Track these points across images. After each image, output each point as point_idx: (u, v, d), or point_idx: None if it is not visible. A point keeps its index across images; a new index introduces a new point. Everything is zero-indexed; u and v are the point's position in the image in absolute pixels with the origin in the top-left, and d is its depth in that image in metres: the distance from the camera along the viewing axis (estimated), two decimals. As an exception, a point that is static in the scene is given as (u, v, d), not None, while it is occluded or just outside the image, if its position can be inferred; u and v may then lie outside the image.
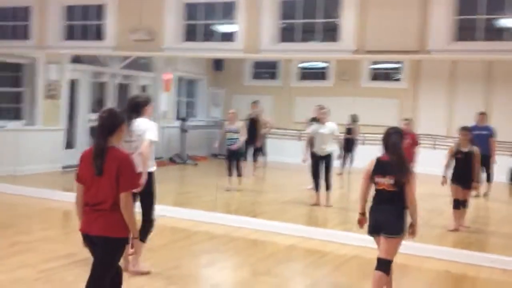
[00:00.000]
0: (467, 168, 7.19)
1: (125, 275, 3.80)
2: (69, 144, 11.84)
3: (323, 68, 15.07)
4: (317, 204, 8.36)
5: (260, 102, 11.94)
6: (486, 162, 9.68)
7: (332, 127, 8.49)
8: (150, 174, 4.83)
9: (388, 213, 4.35)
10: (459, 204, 7.25)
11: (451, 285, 5.40)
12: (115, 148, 3.36)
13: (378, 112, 13.22)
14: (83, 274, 4.74)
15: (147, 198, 4.88)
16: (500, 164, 10.59)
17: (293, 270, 5.52)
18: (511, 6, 6.24)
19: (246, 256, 5.91)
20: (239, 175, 9.65)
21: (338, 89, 14.31)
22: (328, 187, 8.47)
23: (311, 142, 8.85)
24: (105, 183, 3.28)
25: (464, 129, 7.23)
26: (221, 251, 6.18)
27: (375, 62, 13.62)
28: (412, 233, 4.41)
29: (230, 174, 9.66)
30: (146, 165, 4.73)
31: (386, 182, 4.32)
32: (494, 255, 6.07)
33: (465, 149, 7.15)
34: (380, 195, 4.41)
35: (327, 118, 8.47)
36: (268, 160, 12.20)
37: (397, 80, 14.53)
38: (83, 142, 12.31)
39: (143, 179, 4.67)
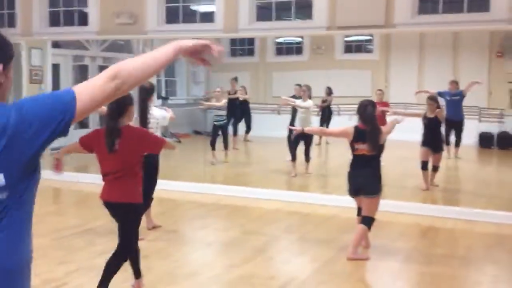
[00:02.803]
0: (434, 133, 7.84)
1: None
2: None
3: (298, 43, 15.51)
4: (295, 174, 8.87)
5: (238, 78, 12.44)
6: (458, 127, 10.37)
7: (311, 103, 9.02)
8: (156, 155, 5.34)
9: (367, 175, 4.98)
10: (426, 165, 7.89)
11: (419, 234, 6.04)
12: (129, 126, 3.85)
13: (352, 84, 13.77)
14: (91, 240, 5.31)
15: (151, 176, 5.39)
16: (469, 128, 11.31)
17: (279, 229, 6.10)
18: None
19: (236, 219, 6.48)
20: (226, 148, 10.16)
21: (313, 62, 14.77)
22: (307, 159, 8.98)
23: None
24: (119, 158, 3.75)
25: (430, 98, 7.88)
26: (212, 216, 6.73)
27: (348, 35, 14.12)
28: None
29: (213, 149, 10.15)
30: None
31: (366, 147, 4.92)
32: (459, 208, 6.75)
33: (430, 116, 7.78)
34: (359, 160, 5.02)
35: (307, 95, 8.98)
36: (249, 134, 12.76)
37: (369, 52, 15.09)
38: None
39: None
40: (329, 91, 12.90)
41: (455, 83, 10.57)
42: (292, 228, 6.17)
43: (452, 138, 10.40)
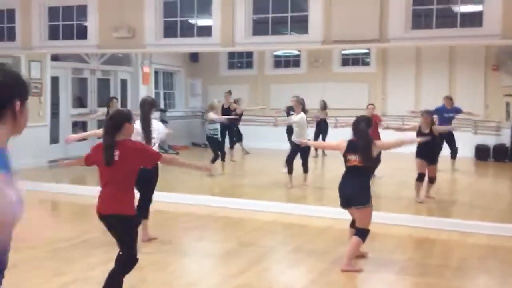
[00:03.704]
0: (429, 146, 7.92)
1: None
2: (54, 139, 12.25)
3: (296, 56, 15.65)
4: (291, 186, 8.91)
5: (232, 91, 12.49)
6: (449, 138, 10.47)
7: (302, 116, 9.07)
8: (154, 168, 5.37)
9: (354, 186, 5.08)
10: (423, 177, 7.94)
11: (414, 246, 6.09)
12: (126, 140, 3.93)
13: (349, 96, 13.89)
14: (86, 252, 5.36)
15: (149, 185, 5.48)
16: (465, 140, 11.41)
17: (276, 240, 6.16)
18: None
19: (232, 231, 6.53)
20: (223, 159, 10.23)
21: (311, 75, 14.91)
22: (305, 170, 9.01)
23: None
24: (116, 170, 3.84)
25: (425, 113, 8.02)
26: (209, 228, 6.78)
27: (345, 49, 14.26)
28: None
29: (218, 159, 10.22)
30: None
31: (357, 158, 5.02)
32: (453, 220, 6.81)
33: (426, 131, 7.87)
34: (350, 171, 5.14)
35: (300, 108, 9.04)
36: (247, 146, 12.85)
37: (366, 65, 15.23)
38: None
39: None
40: (324, 105, 12.97)
41: (449, 99, 10.71)
42: (288, 240, 6.22)
43: (447, 151, 10.47)
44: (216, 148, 10.16)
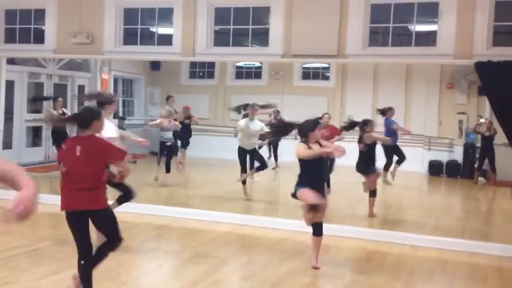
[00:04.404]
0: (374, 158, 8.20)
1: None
2: (7, 145, 11.91)
3: (257, 67, 15.75)
4: (247, 198, 8.89)
5: (174, 98, 12.45)
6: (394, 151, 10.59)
7: (260, 123, 9.11)
8: None
9: None
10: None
11: (366, 259, 6.18)
12: (91, 136, 4.06)
13: (309, 109, 14.01)
14: (36, 262, 5.24)
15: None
16: (417, 156, 11.70)
17: (230, 251, 6.15)
18: (419, 14, 7.13)
19: (188, 242, 6.49)
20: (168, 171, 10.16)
21: (272, 87, 15.01)
22: (256, 170, 9.01)
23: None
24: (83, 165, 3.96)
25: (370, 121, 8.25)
26: (164, 238, 6.72)
27: (305, 63, 14.46)
28: None
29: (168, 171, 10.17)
30: None
31: None
32: (405, 233, 6.96)
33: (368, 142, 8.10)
34: None
35: (255, 115, 9.09)
36: (206, 156, 12.82)
37: (326, 79, 15.47)
38: (21, 142, 12.43)
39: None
40: (276, 113, 12.97)
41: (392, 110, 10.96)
42: (242, 251, 6.22)
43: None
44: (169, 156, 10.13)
